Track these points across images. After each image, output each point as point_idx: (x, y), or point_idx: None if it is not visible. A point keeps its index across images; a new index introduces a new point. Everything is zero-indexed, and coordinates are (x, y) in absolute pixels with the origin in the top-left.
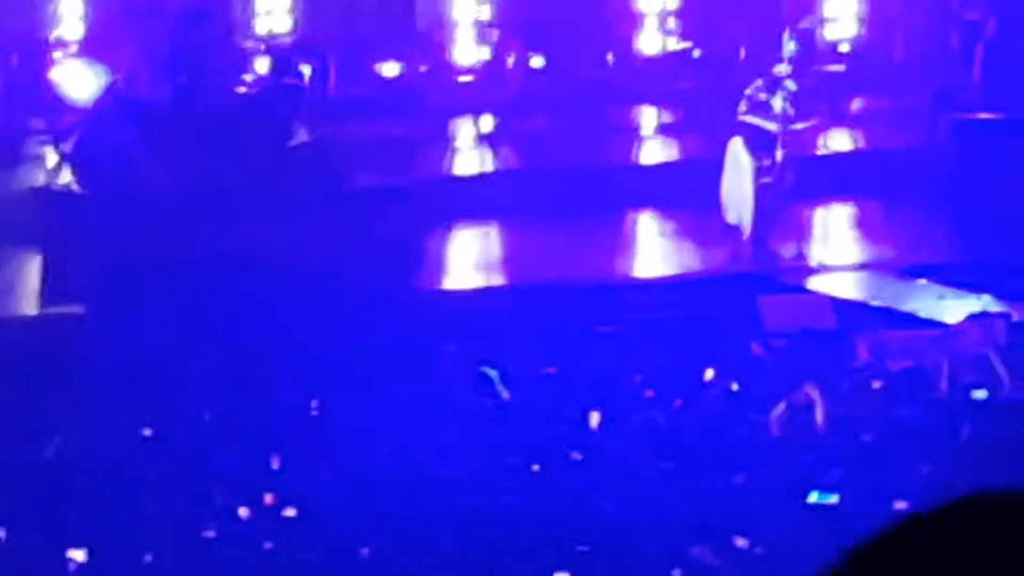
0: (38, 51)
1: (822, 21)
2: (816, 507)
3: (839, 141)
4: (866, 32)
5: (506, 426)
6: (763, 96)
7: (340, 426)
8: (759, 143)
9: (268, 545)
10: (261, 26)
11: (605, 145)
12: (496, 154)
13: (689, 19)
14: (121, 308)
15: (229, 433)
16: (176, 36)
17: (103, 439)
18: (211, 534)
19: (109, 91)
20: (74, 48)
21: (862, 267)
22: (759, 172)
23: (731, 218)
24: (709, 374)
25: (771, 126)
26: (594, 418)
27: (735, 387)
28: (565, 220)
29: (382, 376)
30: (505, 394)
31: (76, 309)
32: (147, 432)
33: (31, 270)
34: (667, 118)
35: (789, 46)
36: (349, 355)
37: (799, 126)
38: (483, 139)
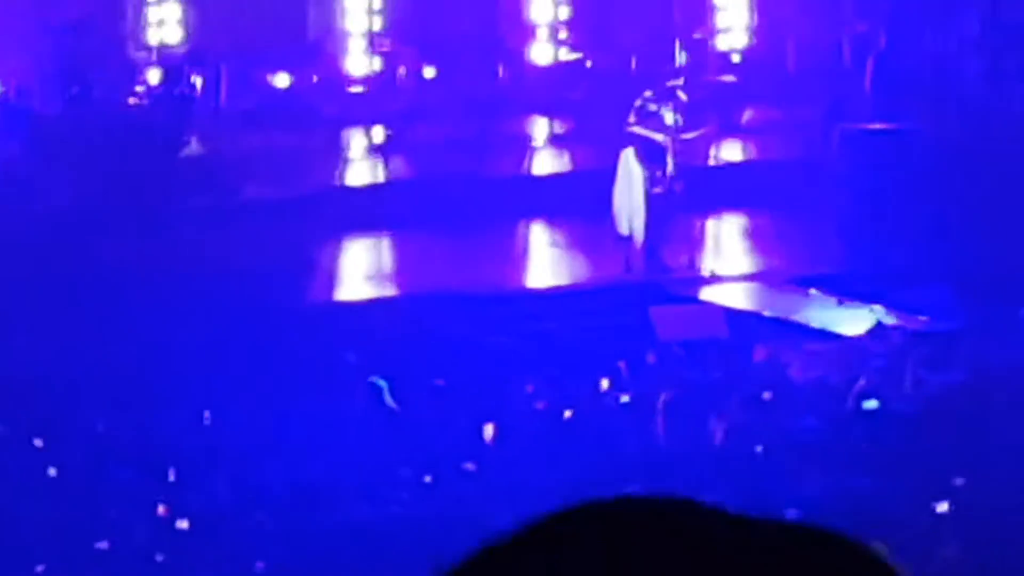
0: None
1: (714, 32)
2: None
3: (731, 152)
4: (758, 43)
5: (398, 437)
6: (653, 107)
7: (233, 437)
8: (650, 153)
9: (160, 558)
10: (152, 37)
11: (497, 155)
12: (388, 165)
13: (580, 30)
14: (10, 318)
15: (122, 444)
16: (64, 47)
17: None
18: (104, 545)
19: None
20: None
21: (754, 277)
22: (650, 182)
23: (623, 228)
24: (604, 384)
25: (661, 137)
26: (487, 429)
27: (625, 398)
28: (457, 230)
29: (275, 387)
30: (393, 404)
31: None
32: (38, 443)
33: None
34: (559, 128)
35: (680, 57)
36: (241, 366)
37: (690, 135)
38: (375, 150)
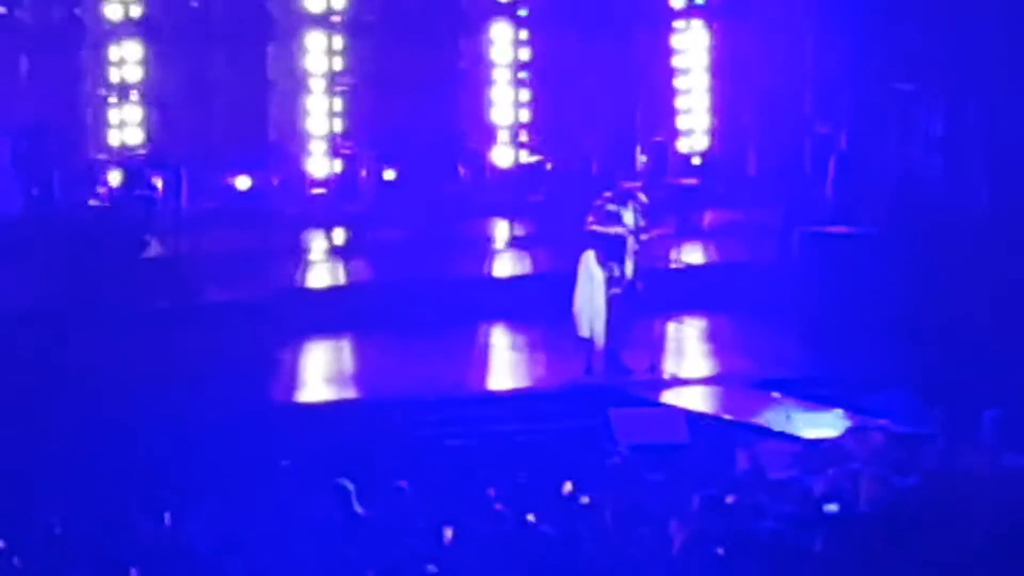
0: None
1: (675, 134)
2: None
3: (692, 253)
4: (718, 145)
5: (360, 540)
6: (612, 207)
7: (195, 539)
8: (611, 255)
9: None
10: (113, 138)
11: (458, 258)
12: (349, 266)
13: (541, 132)
14: None
15: (81, 545)
16: (24, 148)
17: None
18: None
19: None
20: None
21: (715, 380)
22: (610, 284)
23: (584, 331)
24: (566, 487)
25: (620, 232)
26: (448, 532)
27: (586, 500)
28: (418, 332)
29: (237, 489)
30: (359, 509)
31: None
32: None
33: None
34: (519, 231)
35: (640, 159)
36: (204, 468)
37: (649, 235)
38: (336, 251)
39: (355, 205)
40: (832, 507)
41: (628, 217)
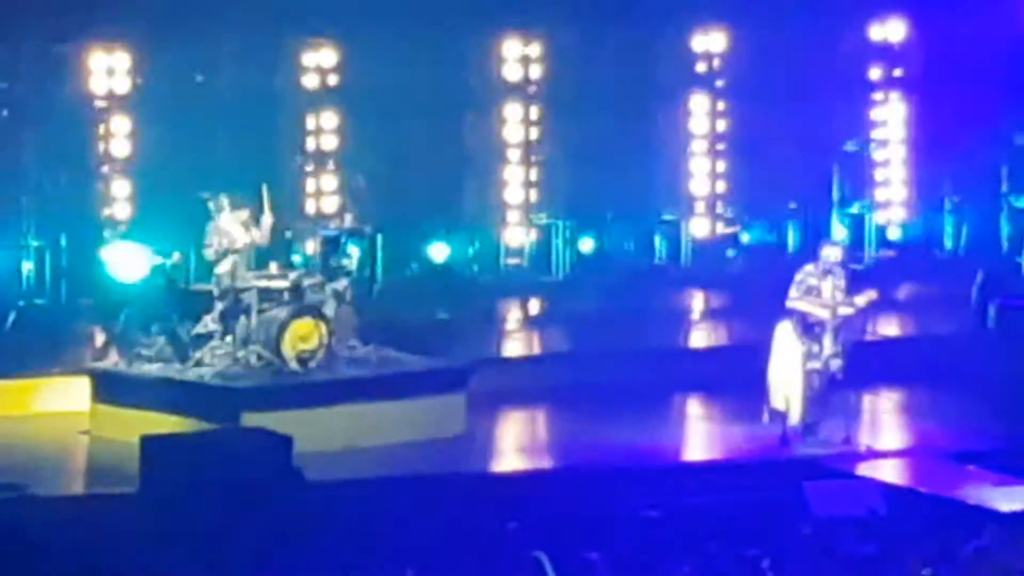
0: None
1: (872, 205)
2: None
3: (888, 326)
4: (916, 217)
5: None
6: (813, 281)
7: None
8: (807, 328)
9: None
10: (310, 207)
11: (653, 328)
12: (544, 336)
13: (739, 202)
14: None
15: None
16: None
17: None
18: None
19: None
20: None
21: (911, 453)
22: (807, 356)
23: (778, 402)
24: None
25: (821, 312)
26: None
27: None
28: (612, 403)
29: (439, 558)
30: None
31: None
32: None
33: None
34: (715, 302)
35: (840, 232)
36: (403, 536)
37: (851, 309)
38: (531, 321)
39: (550, 275)
40: None
41: (828, 291)
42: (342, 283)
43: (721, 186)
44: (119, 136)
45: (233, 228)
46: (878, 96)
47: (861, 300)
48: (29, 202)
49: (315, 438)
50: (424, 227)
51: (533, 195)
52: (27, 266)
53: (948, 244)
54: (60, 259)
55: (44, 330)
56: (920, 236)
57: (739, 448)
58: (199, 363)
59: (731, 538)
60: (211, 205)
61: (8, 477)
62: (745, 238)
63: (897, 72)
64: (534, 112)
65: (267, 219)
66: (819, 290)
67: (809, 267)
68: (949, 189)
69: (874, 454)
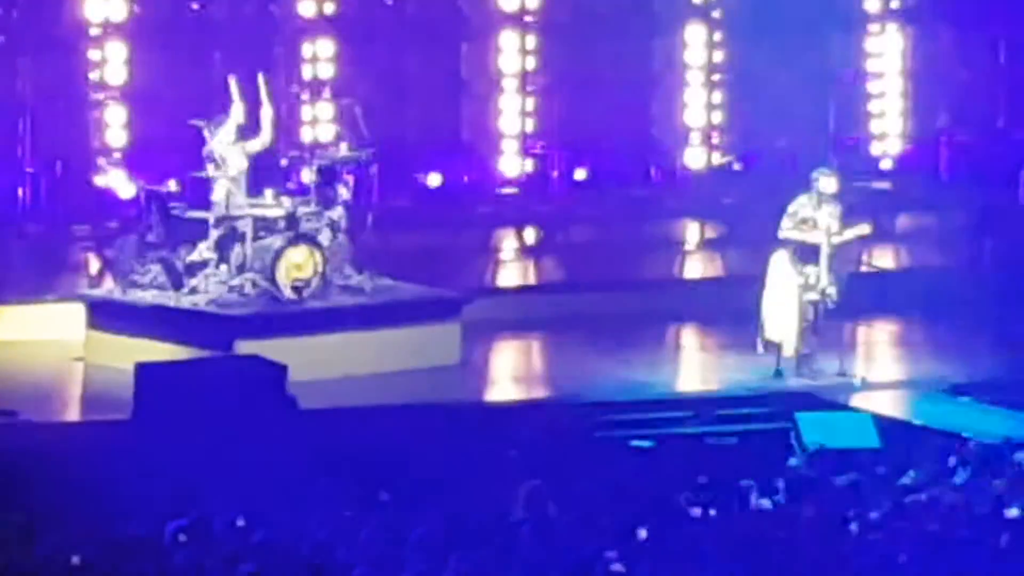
0: None
1: (868, 138)
2: None
3: (883, 258)
4: (911, 149)
5: (546, 538)
6: (807, 212)
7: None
8: (805, 259)
9: None
10: (306, 135)
11: (648, 259)
12: (538, 266)
13: (733, 135)
14: None
15: None
16: None
17: None
18: None
19: None
20: None
21: (906, 385)
22: (804, 288)
23: (772, 334)
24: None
25: (814, 239)
26: (642, 532)
27: (767, 503)
28: (607, 334)
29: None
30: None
31: None
32: None
33: None
34: (711, 233)
35: (833, 163)
36: (392, 465)
37: (845, 238)
38: (526, 251)
39: (546, 205)
40: (1013, 512)
41: (823, 221)
42: (337, 211)
43: (717, 117)
44: (115, 63)
45: (228, 153)
46: (874, 28)
47: (851, 233)
48: (24, 128)
49: (309, 366)
50: (419, 156)
51: (529, 124)
52: (22, 192)
53: (943, 175)
54: (55, 185)
55: (39, 257)
56: (915, 167)
57: (733, 380)
58: (194, 291)
59: (723, 469)
60: (205, 132)
61: (1, 403)
62: (738, 168)
63: (894, 3)
64: (530, 41)
65: (266, 111)
66: (814, 220)
67: (803, 197)
68: (944, 120)
69: (870, 385)
